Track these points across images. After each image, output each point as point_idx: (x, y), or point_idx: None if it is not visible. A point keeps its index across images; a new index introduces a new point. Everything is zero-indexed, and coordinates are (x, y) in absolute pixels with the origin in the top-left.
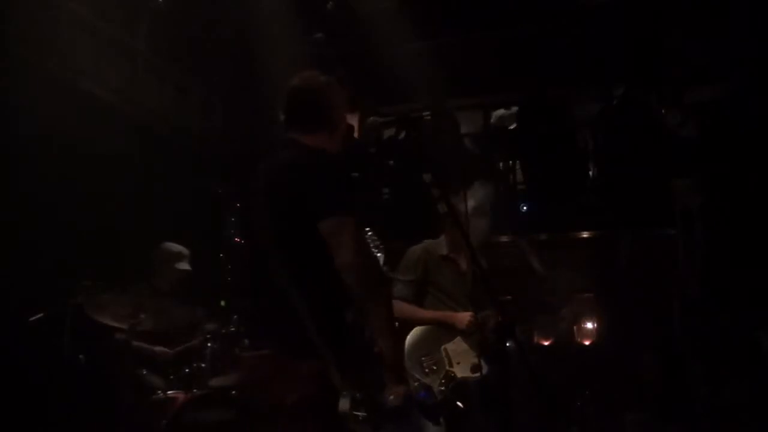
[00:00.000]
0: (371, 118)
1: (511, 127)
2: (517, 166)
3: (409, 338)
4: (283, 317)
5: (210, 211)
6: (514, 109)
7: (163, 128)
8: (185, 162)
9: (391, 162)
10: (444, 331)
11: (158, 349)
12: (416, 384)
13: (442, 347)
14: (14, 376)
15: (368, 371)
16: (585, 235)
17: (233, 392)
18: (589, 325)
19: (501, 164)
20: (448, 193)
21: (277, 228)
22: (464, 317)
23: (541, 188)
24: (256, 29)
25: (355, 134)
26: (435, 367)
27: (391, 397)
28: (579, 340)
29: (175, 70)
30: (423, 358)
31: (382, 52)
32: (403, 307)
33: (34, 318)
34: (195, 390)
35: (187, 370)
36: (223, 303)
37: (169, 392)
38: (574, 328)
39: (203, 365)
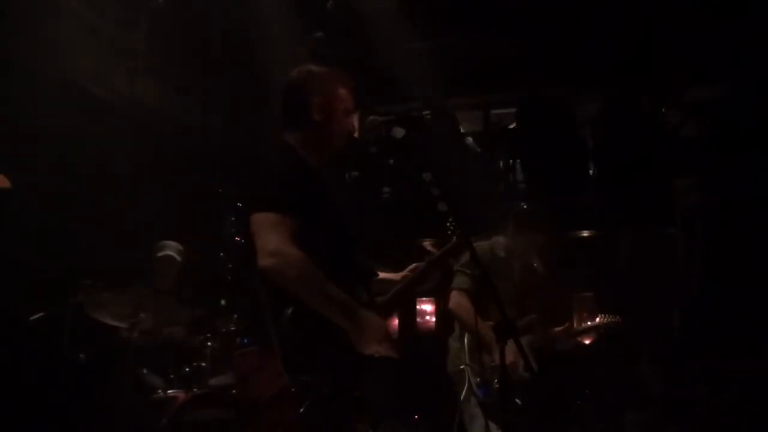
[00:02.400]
0: (371, 118)
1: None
2: (517, 166)
3: (469, 336)
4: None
5: (210, 211)
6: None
7: (163, 128)
8: (185, 162)
9: (391, 161)
10: None
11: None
12: (477, 380)
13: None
14: (14, 376)
15: (316, 362)
16: (585, 234)
17: (233, 391)
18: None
19: (501, 164)
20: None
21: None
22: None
23: (541, 188)
24: (256, 29)
25: (355, 134)
26: (493, 364)
27: (377, 355)
28: (579, 339)
29: (175, 70)
30: (483, 355)
31: (382, 52)
32: (460, 309)
33: (34, 318)
34: (195, 389)
35: (187, 369)
36: (223, 302)
37: (169, 391)
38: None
39: (203, 364)
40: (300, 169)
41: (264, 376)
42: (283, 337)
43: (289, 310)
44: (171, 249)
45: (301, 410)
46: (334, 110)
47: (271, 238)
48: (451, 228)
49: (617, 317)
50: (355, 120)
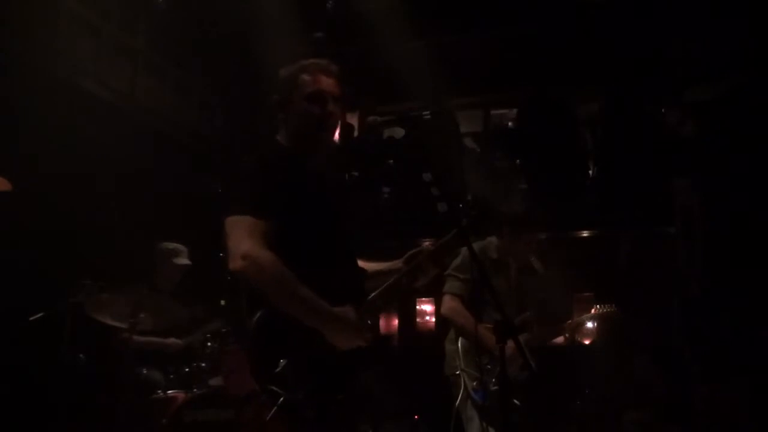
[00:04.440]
0: (371, 118)
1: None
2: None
3: (463, 339)
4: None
5: (210, 211)
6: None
7: (163, 128)
8: (185, 162)
9: (391, 162)
10: None
11: (170, 340)
12: (474, 383)
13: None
14: (14, 376)
15: (282, 372)
16: (585, 234)
17: None
18: (589, 325)
19: (501, 164)
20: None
21: None
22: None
23: (541, 188)
24: (256, 29)
25: (355, 134)
26: (489, 367)
27: (356, 347)
28: (579, 340)
29: (175, 70)
30: (478, 358)
31: (382, 51)
32: (455, 313)
33: (34, 318)
34: (195, 389)
35: (187, 369)
36: (223, 302)
37: (169, 391)
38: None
39: (203, 364)
40: (284, 169)
41: (243, 374)
42: (250, 344)
43: (257, 315)
44: (186, 256)
45: (269, 416)
46: (292, 101)
47: (243, 241)
48: (468, 208)
49: (612, 306)
50: (354, 119)
